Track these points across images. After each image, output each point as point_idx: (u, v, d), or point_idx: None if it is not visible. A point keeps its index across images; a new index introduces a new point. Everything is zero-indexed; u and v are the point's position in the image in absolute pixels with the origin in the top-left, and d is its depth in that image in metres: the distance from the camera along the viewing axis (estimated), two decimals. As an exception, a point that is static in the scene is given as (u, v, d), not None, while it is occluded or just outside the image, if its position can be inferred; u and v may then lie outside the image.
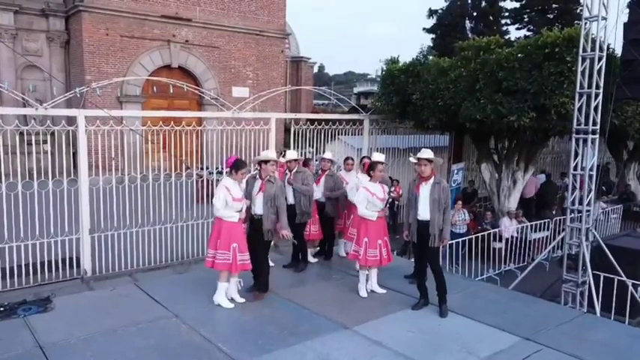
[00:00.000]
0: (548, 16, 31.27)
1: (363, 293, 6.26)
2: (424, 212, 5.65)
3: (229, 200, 5.65)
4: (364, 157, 8.46)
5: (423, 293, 5.92)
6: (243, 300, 5.96)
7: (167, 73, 17.43)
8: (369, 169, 6.44)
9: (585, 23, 7.90)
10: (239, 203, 5.76)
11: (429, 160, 5.64)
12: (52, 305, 5.75)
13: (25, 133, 7.31)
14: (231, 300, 5.93)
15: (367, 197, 6.12)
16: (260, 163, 6.09)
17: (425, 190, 5.66)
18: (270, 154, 6.18)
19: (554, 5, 31.53)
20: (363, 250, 6.15)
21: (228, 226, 5.69)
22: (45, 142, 8.43)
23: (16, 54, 17.00)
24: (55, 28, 18.26)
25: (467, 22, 33.81)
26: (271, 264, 6.98)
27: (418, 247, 5.89)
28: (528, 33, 31.18)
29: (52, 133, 7.58)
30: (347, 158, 8.09)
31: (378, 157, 7.37)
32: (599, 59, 7.82)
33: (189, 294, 6.18)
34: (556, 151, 17.33)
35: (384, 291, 6.29)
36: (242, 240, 5.81)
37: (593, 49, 7.81)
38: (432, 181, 5.66)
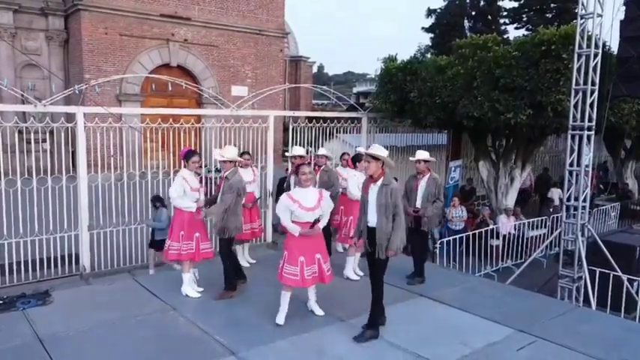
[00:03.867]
0: (547, 15, 31.37)
1: (280, 319, 5.19)
2: (371, 218, 4.87)
3: (187, 190, 5.86)
4: (357, 153, 8.51)
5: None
6: (201, 289, 6.08)
7: (166, 72, 17.37)
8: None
9: (581, 20, 7.95)
10: (196, 193, 5.96)
11: (374, 157, 4.77)
12: (50, 299, 5.80)
13: (24, 132, 7.35)
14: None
15: (288, 206, 5.03)
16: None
17: (373, 193, 4.85)
18: (222, 152, 5.98)
19: (552, 4, 31.61)
20: (281, 265, 5.15)
21: (189, 217, 5.87)
22: (44, 140, 8.46)
23: (15, 52, 17.03)
24: (54, 26, 18.29)
25: (465, 21, 33.91)
26: (247, 264, 7.06)
27: (370, 256, 5.02)
28: (527, 32, 31.22)
29: (51, 132, 7.61)
30: (343, 154, 8.20)
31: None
32: (595, 56, 7.87)
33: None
34: (556, 150, 17.37)
35: (322, 312, 5.45)
36: (203, 229, 6.05)
37: (588, 46, 7.86)
38: (380, 182, 4.81)
